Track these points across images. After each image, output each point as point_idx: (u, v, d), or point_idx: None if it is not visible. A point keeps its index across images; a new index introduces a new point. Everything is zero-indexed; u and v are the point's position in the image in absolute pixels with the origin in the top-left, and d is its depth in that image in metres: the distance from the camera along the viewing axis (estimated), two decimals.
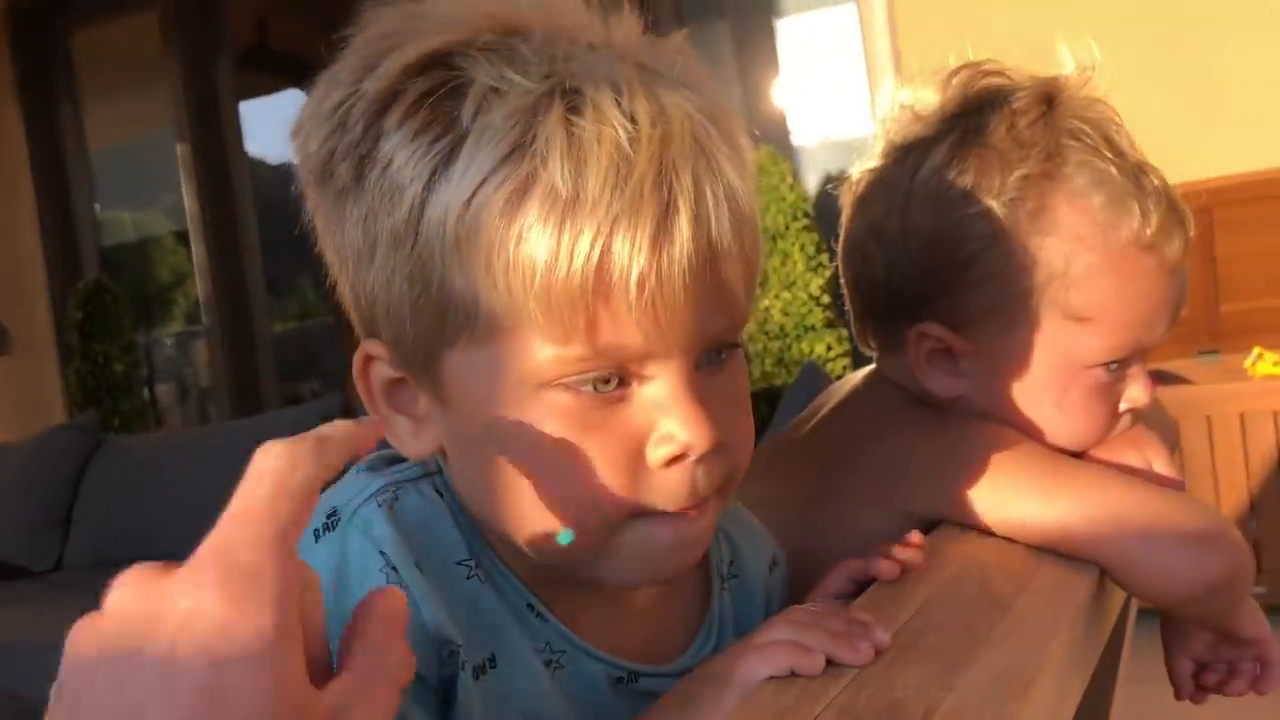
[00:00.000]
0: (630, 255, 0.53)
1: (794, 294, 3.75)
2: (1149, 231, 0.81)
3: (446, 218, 0.55)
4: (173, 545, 3.30)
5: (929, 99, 0.88)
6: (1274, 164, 3.36)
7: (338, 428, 0.46)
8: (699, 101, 0.57)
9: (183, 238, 5.75)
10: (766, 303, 3.73)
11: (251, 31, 5.96)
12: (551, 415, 0.57)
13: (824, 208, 3.69)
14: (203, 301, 5.53)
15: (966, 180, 0.83)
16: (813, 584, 0.75)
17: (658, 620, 0.70)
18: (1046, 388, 0.85)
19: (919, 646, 0.59)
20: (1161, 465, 0.86)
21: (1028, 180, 0.82)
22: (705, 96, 0.58)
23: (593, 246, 0.53)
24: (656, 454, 0.58)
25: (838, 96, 4.61)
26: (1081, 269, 0.82)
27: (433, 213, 0.55)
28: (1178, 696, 0.96)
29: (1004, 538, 0.80)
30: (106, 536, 3.59)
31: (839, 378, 1.02)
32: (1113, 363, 0.84)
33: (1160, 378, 2.95)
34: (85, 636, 0.42)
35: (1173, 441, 1.01)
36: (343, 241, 0.60)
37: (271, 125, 6.00)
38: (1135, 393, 0.86)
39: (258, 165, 5.91)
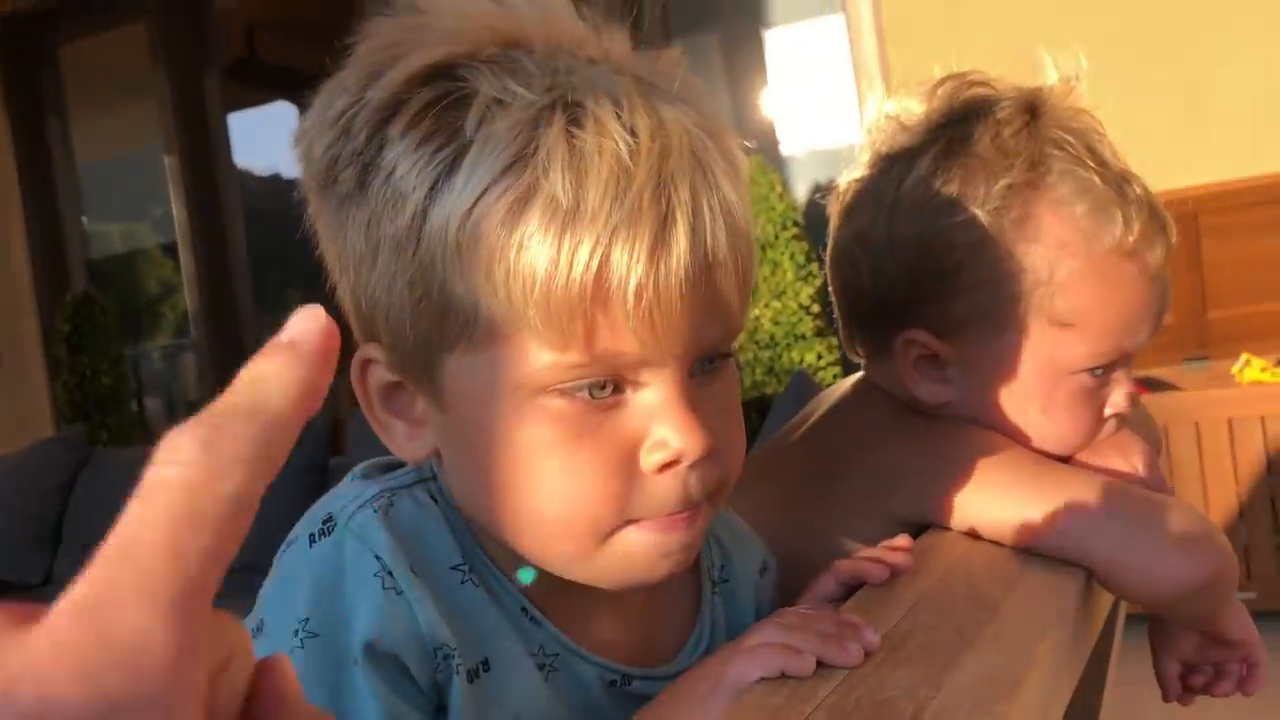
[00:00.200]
0: (629, 265, 0.54)
1: (784, 303, 3.76)
2: (1131, 239, 0.83)
3: (448, 225, 0.56)
4: None
5: (914, 109, 0.89)
6: (1260, 171, 3.39)
7: (273, 366, 0.31)
8: (696, 116, 0.58)
9: (171, 250, 5.74)
10: (756, 312, 3.74)
11: (239, 44, 5.97)
12: (547, 420, 0.58)
13: (813, 217, 3.71)
14: (191, 314, 5.52)
15: (952, 189, 0.84)
16: (803, 588, 0.76)
17: (650, 624, 0.71)
18: (1032, 393, 0.86)
19: (908, 648, 0.60)
20: (1147, 469, 0.87)
21: (1012, 189, 0.83)
22: (702, 111, 0.59)
23: (592, 256, 0.54)
24: (650, 460, 0.59)
25: (826, 106, 4.63)
26: (1065, 276, 0.83)
27: (435, 220, 0.56)
28: (1165, 698, 0.97)
29: (992, 541, 0.81)
30: (96, 550, 3.57)
31: (829, 386, 1.03)
32: (1097, 368, 0.85)
33: (1148, 384, 2.97)
34: None
35: (1157, 445, 1.02)
36: (344, 247, 0.61)
37: (260, 137, 6.00)
38: (1119, 398, 0.87)
39: (246, 177, 5.91)
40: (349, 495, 0.63)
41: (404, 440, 0.64)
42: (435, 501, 0.64)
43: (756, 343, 3.77)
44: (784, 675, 0.57)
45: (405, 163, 0.57)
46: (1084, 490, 0.80)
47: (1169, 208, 0.87)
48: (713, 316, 0.58)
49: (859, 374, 0.98)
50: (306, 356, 0.31)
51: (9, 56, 5.53)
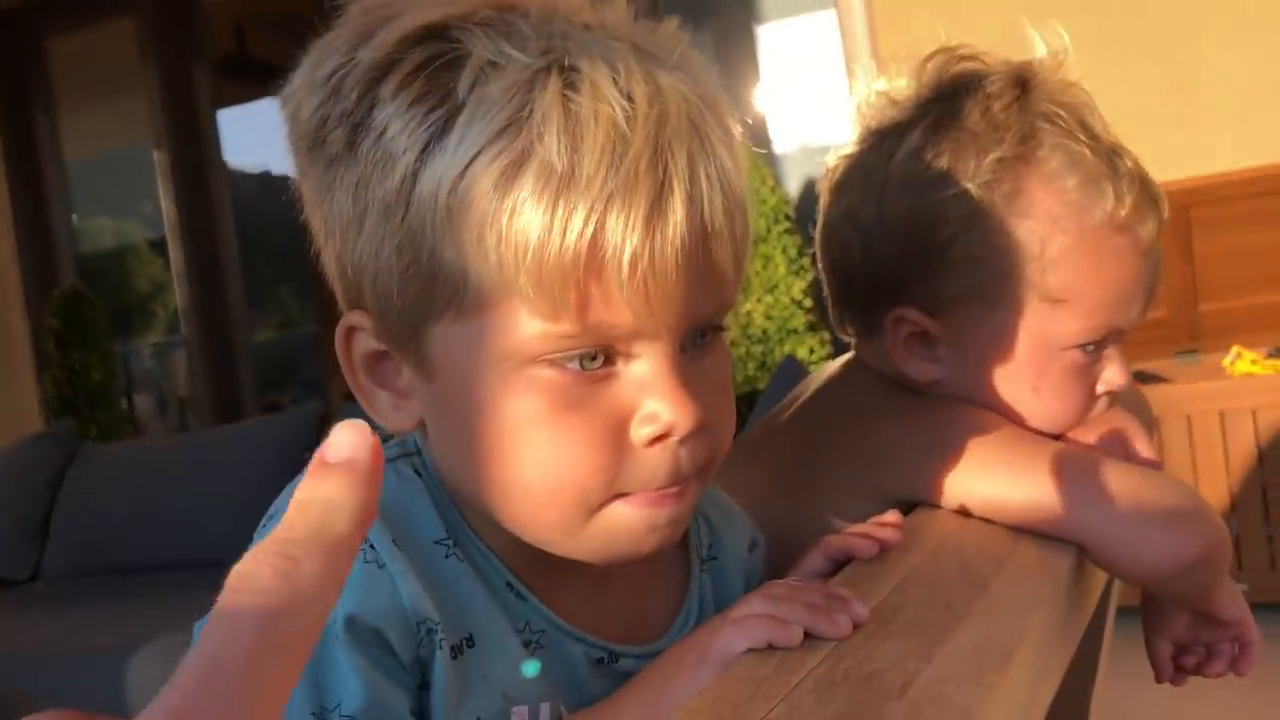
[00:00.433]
0: (624, 234, 0.53)
1: (776, 297, 3.75)
2: (1123, 213, 0.82)
3: (439, 189, 0.55)
4: (150, 554, 3.27)
5: (904, 85, 0.88)
6: (1251, 163, 3.39)
7: (334, 490, 0.32)
8: (693, 84, 0.57)
9: (160, 246, 5.73)
10: (749, 306, 3.74)
11: (229, 40, 5.95)
12: (536, 391, 0.57)
13: (805, 211, 3.70)
14: (181, 311, 5.50)
15: (942, 164, 0.83)
16: (792, 566, 0.75)
17: (638, 601, 0.70)
18: (1023, 370, 0.85)
19: (897, 621, 0.59)
20: (1139, 446, 0.87)
21: (1002, 163, 0.82)
22: (699, 80, 0.58)
23: (586, 223, 0.53)
24: (640, 433, 0.58)
25: (818, 101, 4.63)
26: (1056, 251, 0.82)
27: (425, 183, 0.55)
28: (1158, 679, 0.96)
29: (982, 518, 0.80)
30: (84, 546, 3.56)
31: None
32: (1089, 344, 0.85)
33: (1140, 378, 2.97)
34: None
35: (1150, 423, 1.01)
36: (331, 210, 0.60)
37: (250, 133, 5.99)
38: (1112, 375, 0.87)
39: (236, 174, 5.89)
40: None
41: (389, 411, 0.63)
42: (419, 475, 0.64)
43: (749, 337, 3.77)
44: (771, 646, 0.56)
45: (396, 124, 0.56)
46: (1075, 467, 0.79)
47: None
48: (707, 288, 0.57)
49: (849, 354, 0.97)
50: (365, 478, 0.32)
51: None
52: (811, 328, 3.76)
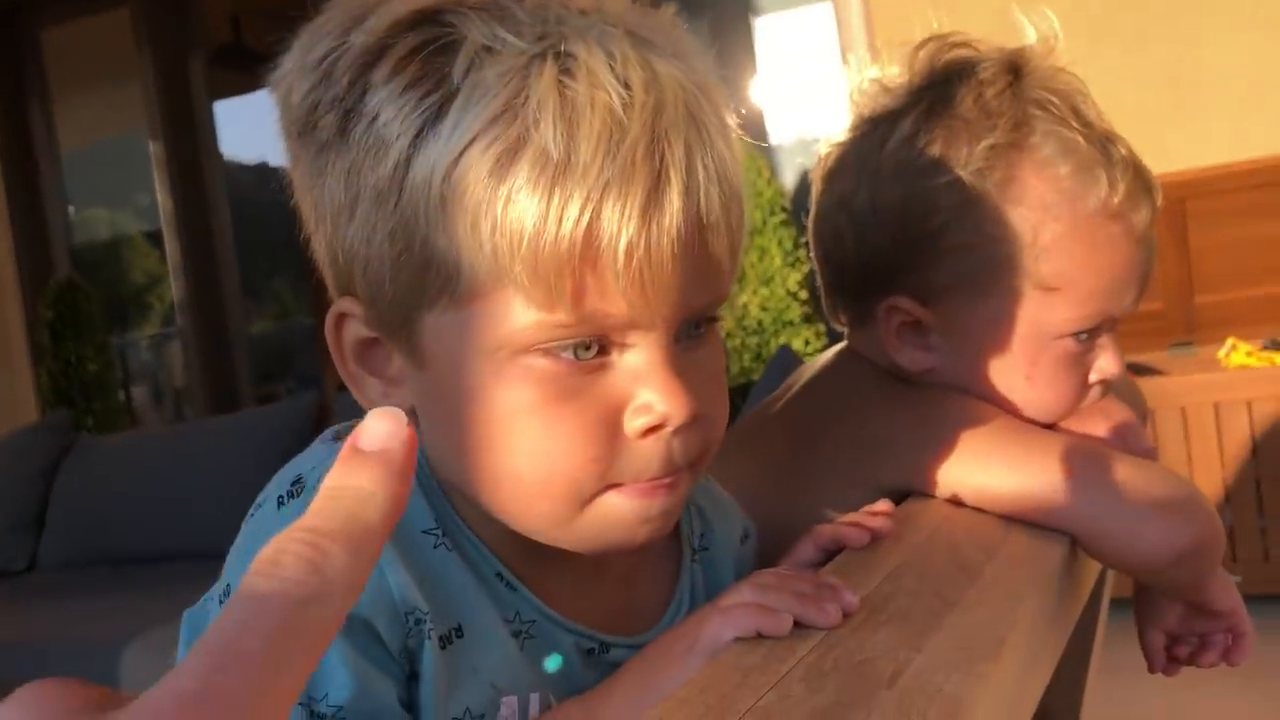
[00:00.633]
0: (620, 223, 0.53)
1: (771, 289, 3.75)
2: (1116, 200, 0.82)
3: (433, 175, 0.54)
4: (146, 545, 3.27)
5: (897, 72, 0.88)
6: (1248, 155, 3.38)
7: (367, 481, 0.31)
8: (690, 72, 0.57)
9: (156, 238, 5.71)
10: (744, 298, 3.74)
11: (225, 30, 5.93)
12: (529, 380, 0.56)
13: (801, 203, 3.70)
14: (177, 302, 5.49)
15: (934, 151, 0.83)
16: (783, 556, 0.75)
17: (629, 592, 0.70)
18: (1016, 359, 0.85)
19: (888, 610, 0.59)
20: (1132, 435, 0.87)
21: (995, 150, 0.82)
22: (696, 68, 0.58)
23: (582, 212, 0.52)
24: (634, 424, 0.57)
25: (814, 93, 4.62)
26: (1049, 238, 0.82)
27: (419, 170, 0.54)
28: (1151, 669, 0.96)
29: (974, 508, 0.80)
30: (80, 536, 3.56)
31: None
32: (1082, 332, 0.85)
33: (1135, 370, 2.97)
34: None
35: (1143, 413, 1.01)
36: (322, 196, 0.59)
37: (245, 125, 5.97)
38: (1105, 363, 0.87)
39: (232, 165, 5.88)
40: (320, 456, 0.62)
41: (378, 398, 0.62)
42: None
43: (744, 329, 3.77)
44: (760, 635, 0.56)
45: (389, 109, 0.55)
46: (1067, 456, 0.79)
47: None
48: (703, 279, 0.57)
49: (841, 343, 0.97)
50: (398, 471, 0.32)
51: None
52: (807, 320, 3.76)
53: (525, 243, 0.53)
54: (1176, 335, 3.41)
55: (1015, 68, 0.84)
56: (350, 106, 0.56)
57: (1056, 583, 0.73)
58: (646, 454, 0.58)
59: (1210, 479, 2.87)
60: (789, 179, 4.40)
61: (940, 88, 0.85)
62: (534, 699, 0.64)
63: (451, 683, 0.60)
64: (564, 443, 0.57)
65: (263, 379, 6.16)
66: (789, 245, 3.75)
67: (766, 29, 5.04)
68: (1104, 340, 0.86)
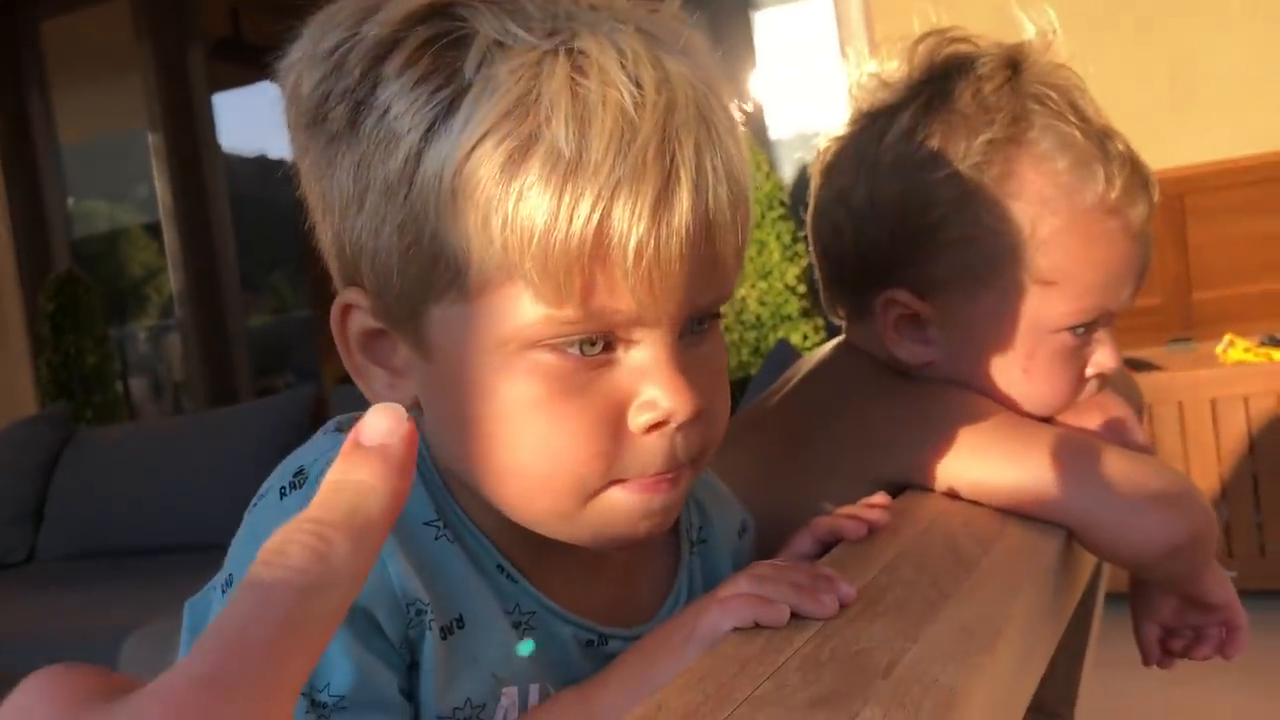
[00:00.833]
0: (630, 222, 0.53)
1: (770, 283, 3.76)
2: (1113, 195, 0.82)
3: (444, 170, 0.54)
4: (145, 536, 3.25)
5: (896, 66, 0.88)
6: (1246, 151, 3.39)
7: (369, 476, 0.32)
8: (699, 70, 0.57)
9: (156, 231, 5.71)
10: (743, 292, 3.74)
11: (224, 23, 5.92)
12: (536, 375, 0.56)
13: (800, 197, 3.70)
14: (176, 295, 5.49)
15: (932, 145, 0.83)
16: (781, 549, 0.75)
17: (628, 584, 0.70)
18: (1013, 352, 0.85)
19: (884, 601, 0.59)
20: (1128, 429, 0.87)
21: (993, 145, 0.82)
22: (704, 66, 0.58)
23: (593, 210, 0.53)
24: (638, 420, 0.58)
25: (814, 87, 4.62)
26: (1047, 232, 0.82)
27: (429, 164, 0.55)
28: (1145, 662, 0.96)
29: (971, 501, 0.80)
30: (79, 528, 3.56)
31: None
32: (1079, 327, 0.85)
33: (1133, 365, 2.97)
34: None
35: (1139, 407, 1.01)
36: (330, 186, 0.59)
37: (245, 118, 5.97)
38: (1102, 357, 0.87)
39: (231, 158, 5.87)
40: (322, 447, 0.63)
41: (383, 389, 0.62)
42: None
43: (742, 323, 3.77)
44: (757, 626, 0.56)
45: (401, 102, 0.55)
46: (1063, 450, 0.80)
47: None
48: (709, 277, 0.57)
49: (840, 337, 0.97)
50: (397, 466, 0.33)
51: None
52: (805, 314, 3.76)
53: (536, 239, 0.53)
54: (1174, 331, 3.42)
55: (1013, 63, 0.85)
56: (361, 98, 0.56)
57: (1052, 575, 0.73)
58: (650, 449, 0.58)
59: (1207, 474, 2.87)
60: (787, 173, 4.40)
61: (939, 83, 0.85)
62: (534, 689, 0.64)
63: (452, 673, 0.61)
64: (569, 438, 0.57)
65: (261, 372, 6.16)
66: (787, 239, 3.75)
67: (766, 23, 5.04)
68: (1101, 335, 0.87)
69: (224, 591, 0.61)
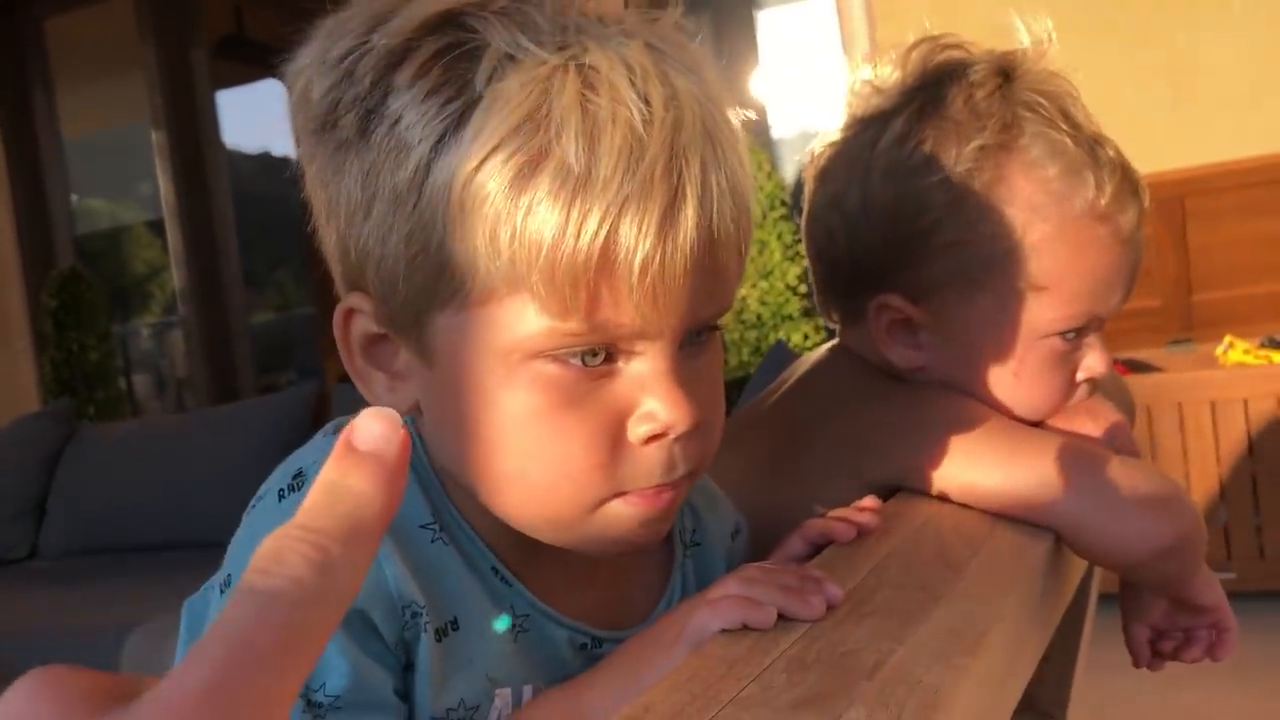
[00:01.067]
0: (637, 238, 0.54)
1: (771, 283, 3.76)
2: (1103, 202, 0.83)
3: (453, 181, 0.54)
4: (147, 533, 3.25)
5: (889, 72, 0.89)
6: (1247, 153, 3.39)
7: (363, 482, 0.32)
8: (705, 86, 0.58)
9: (159, 228, 5.72)
10: (744, 292, 3.74)
11: (227, 20, 5.93)
12: (538, 385, 0.57)
13: (801, 198, 3.69)
14: (179, 292, 5.49)
15: (925, 151, 0.84)
16: (773, 551, 0.76)
17: (621, 587, 0.71)
18: (1004, 357, 0.86)
19: (872, 603, 0.60)
20: (1118, 434, 0.88)
21: (984, 151, 0.83)
22: (709, 81, 0.59)
23: (601, 226, 0.53)
24: (638, 431, 0.58)
25: (816, 87, 4.62)
26: (1037, 238, 0.83)
27: (439, 175, 0.55)
28: (1136, 664, 0.97)
29: (961, 504, 0.81)
30: (81, 525, 3.56)
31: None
32: (1069, 332, 0.86)
33: (1132, 366, 2.98)
34: None
35: (1130, 412, 1.02)
36: (338, 192, 0.59)
37: (248, 115, 5.97)
38: (1092, 362, 0.88)
39: (234, 155, 5.88)
40: (320, 450, 0.63)
41: (383, 393, 0.63)
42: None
43: (743, 323, 3.78)
44: (745, 627, 0.57)
45: (411, 113, 0.55)
46: (1053, 454, 0.80)
47: (1155, 190, 0.87)
48: (711, 290, 0.58)
49: (833, 340, 0.98)
50: (391, 474, 0.32)
51: None
52: (806, 313, 3.76)
53: (543, 253, 0.53)
54: (1174, 332, 3.42)
55: (1006, 70, 0.85)
56: (372, 107, 0.57)
57: (1040, 578, 0.74)
58: (649, 460, 0.59)
59: (1206, 476, 2.88)
60: (789, 173, 4.40)
61: (932, 89, 0.86)
62: (527, 690, 0.65)
63: (447, 674, 0.61)
64: (569, 447, 0.58)
65: (264, 369, 6.17)
66: (789, 239, 3.75)
67: (769, 22, 5.05)
68: (1091, 339, 0.87)
69: (222, 591, 0.61)
